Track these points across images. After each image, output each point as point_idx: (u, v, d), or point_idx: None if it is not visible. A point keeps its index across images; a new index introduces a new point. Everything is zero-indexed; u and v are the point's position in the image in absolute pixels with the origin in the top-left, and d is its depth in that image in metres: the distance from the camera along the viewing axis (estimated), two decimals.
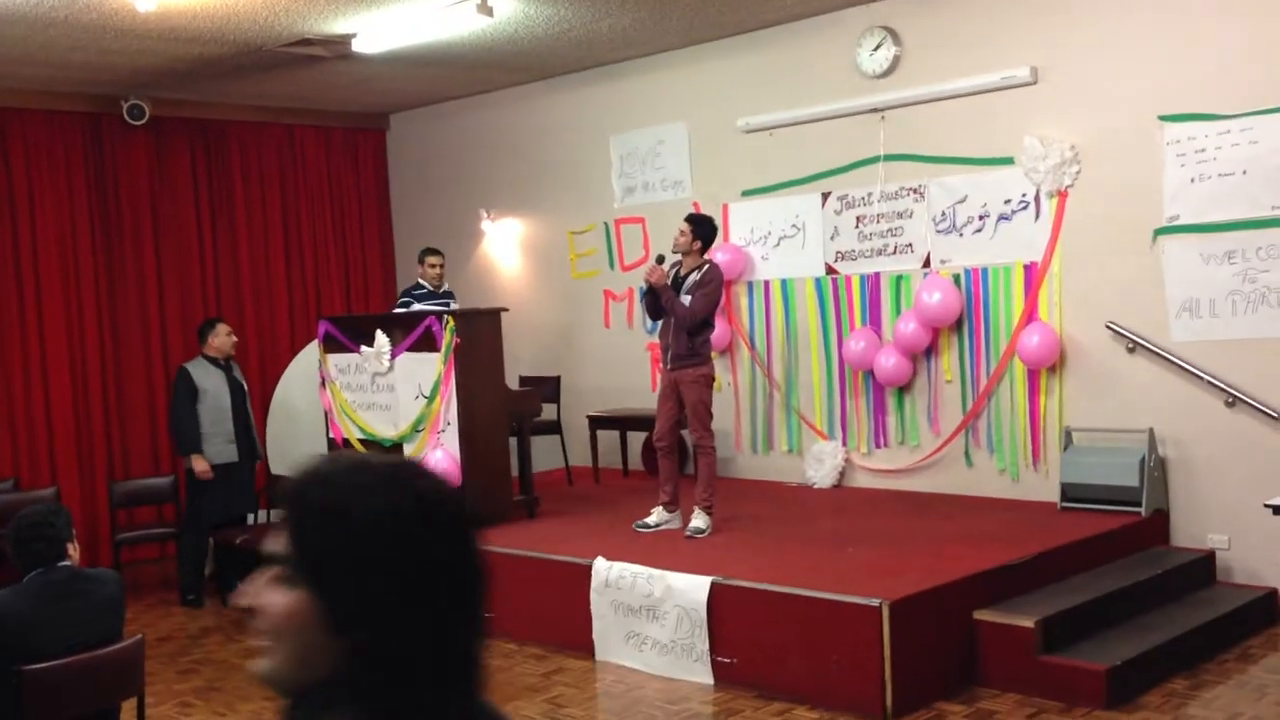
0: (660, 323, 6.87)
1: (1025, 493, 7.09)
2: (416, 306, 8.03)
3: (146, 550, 8.70)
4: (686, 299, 6.57)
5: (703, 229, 6.74)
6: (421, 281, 8.42)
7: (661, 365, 6.87)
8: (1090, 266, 6.78)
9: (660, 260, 6.75)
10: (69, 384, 8.84)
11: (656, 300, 6.67)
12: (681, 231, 6.72)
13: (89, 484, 8.84)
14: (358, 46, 7.66)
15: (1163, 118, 6.46)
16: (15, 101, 8.61)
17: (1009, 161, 7.03)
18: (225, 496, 7.74)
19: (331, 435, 8.07)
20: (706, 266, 6.68)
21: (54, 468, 8.69)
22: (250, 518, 7.99)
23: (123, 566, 7.82)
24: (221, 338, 7.86)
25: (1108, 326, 6.72)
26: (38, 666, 3.74)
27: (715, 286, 6.66)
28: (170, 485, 8.37)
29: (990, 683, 5.31)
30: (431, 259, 8.44)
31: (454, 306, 8.26)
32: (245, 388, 8.00)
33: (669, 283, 6.65)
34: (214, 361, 7.83)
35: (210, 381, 7.76)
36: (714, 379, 6.89)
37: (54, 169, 8.85)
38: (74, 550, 4.17)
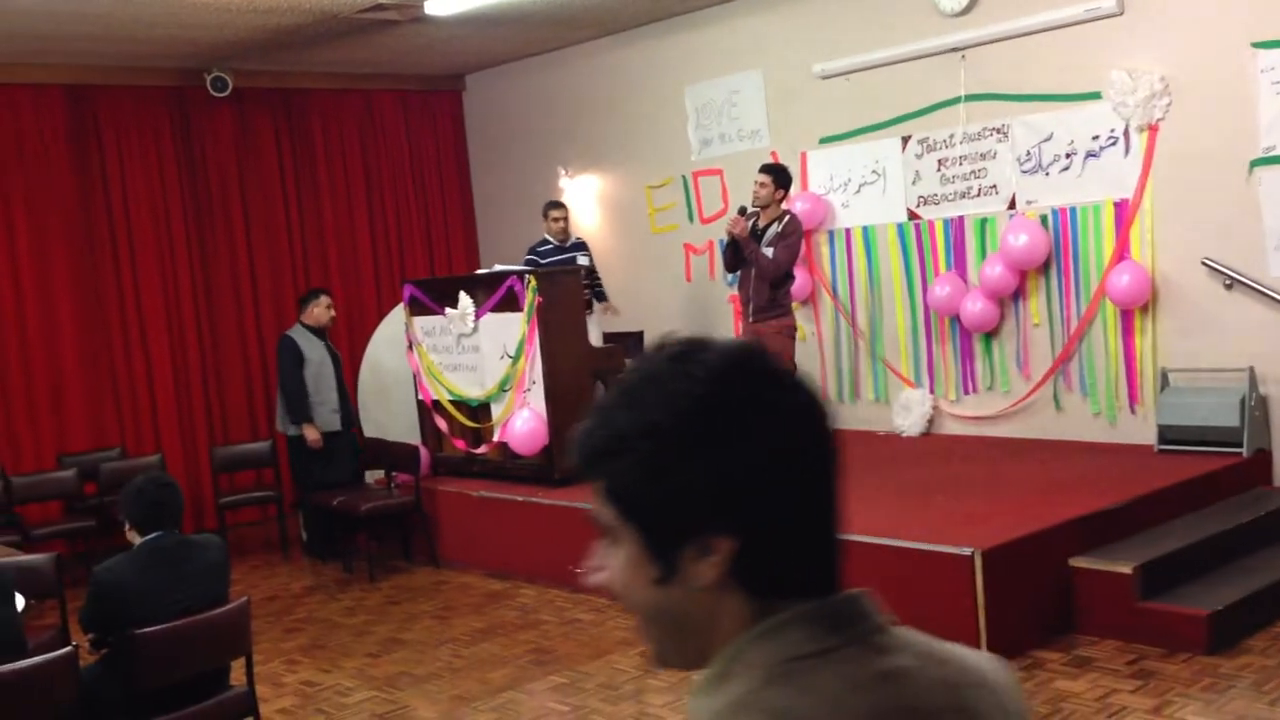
0: (739, 275, 6.84)
1: (1121, 436, 6.96)
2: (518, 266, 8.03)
3: (248, 513, 8.95)
4: (768, 251, 6.53)
5: (783, 178, 6.70)
6: (547, 237, 8.41)
7: (743, 318, 6.84)
8: (1184, 202, 6.59)
9: (742, 212, 6.71)
10: (168, 353, 9.08)
11: (737, 252, 6.64)
12: (761, 183, 6.66)
13: (190, 450, 9.10)
14: (430, 9, 7.69)
15: (1256, 45, 6.22)
16: (102, 79, 8.81)
17: (1096, 96, 6.83)
18: (329, 465, 7.86)
19: (420, 397, 8.20)
20: (787, 218, 6.63)
21: (157, 435, 8.96)
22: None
23: (227, 529, 8.07)
24: (321, 309, 7.97)
25: (1204, 263, 6.54)
26: (149, 630, 3.88)
27: (797, 238, 6.62)
28: (269, 450, 8.60)
29: (1088, 630, 5.25)
30: (554, 213, 8.40)
31: (583, 258, 8.22)
32: (339, 356, 8.13)
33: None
34: (312, 331, 7.96)
35: (313, 350, 7.88)
36: (796, 329, 6.85)
37: (143, 143, 9.06)
38: None
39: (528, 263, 8.22)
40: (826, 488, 1.06)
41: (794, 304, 7.17)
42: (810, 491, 1.05)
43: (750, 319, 6.69)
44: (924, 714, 1.03)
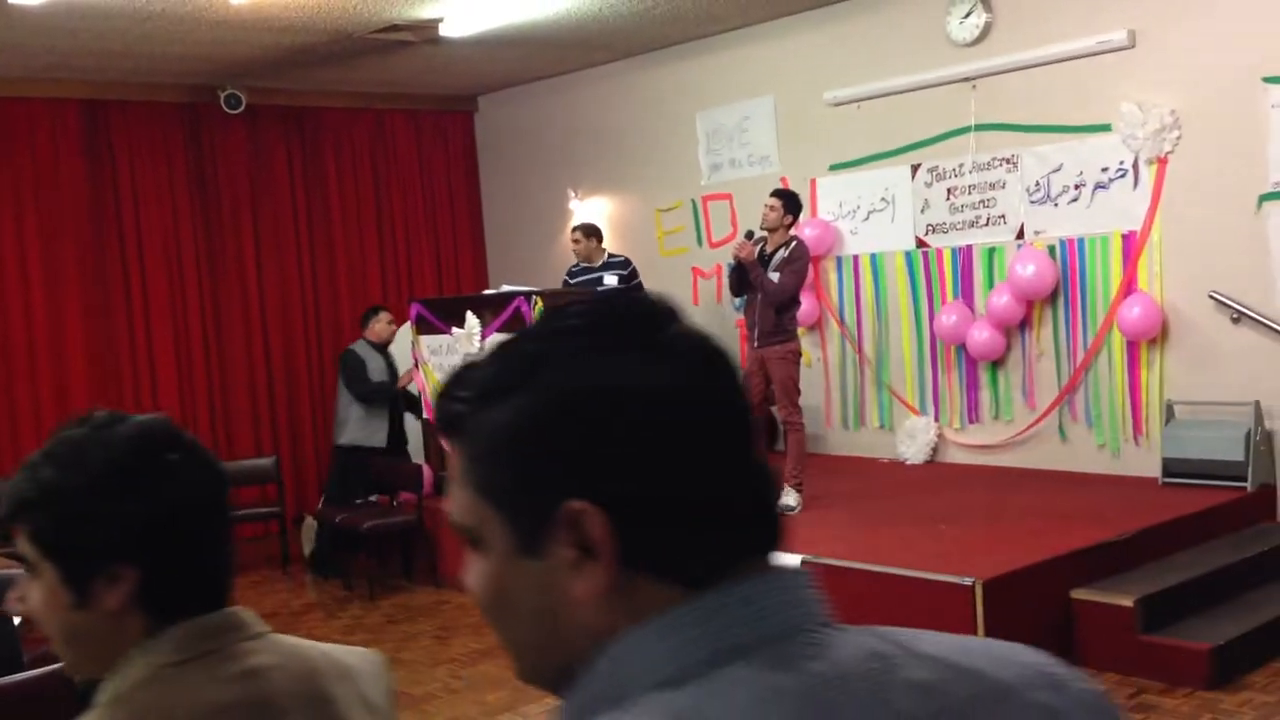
0: (746, 299, 6.85)
1: (1125, 468, 6.93)
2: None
3: (250, 529, 8.94)
4: (774, 276, 6.54)
5: (793, 204, 6.71)
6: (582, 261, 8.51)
7: (749, 342, 6.85)
8: (1192, 235, 6.58)
9: (749, 236, 6.73)
10: (174, 365, 9.10)
11: (743, 277, 6.65)
12: (771, 207, 6.68)
13: None
14: (445, 30, 7.73)
15: (1267, 79, 6.22)
16: (117, 94, 8.87)
17: (1106, 128, 6.84)
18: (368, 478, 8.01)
19: (425, 415, 8.21)
20: (794, 243, 6.64)
21: None
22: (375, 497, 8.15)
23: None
24: (382, 325, 8.22)
25: (1211, 296, 6.52)
26: None
27: (803, 263, 6.63)
28: (272, 465, 8.60)
29: (1089, 663, 5.21)
30: (573, 235, 8.46)
31: (610, 278, 8.18)
32: (397, 372, 8.29)
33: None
34: (374, 346, 8.16)
35: (374, 363, 8.11)
36: (801, 355, 6.86)
37: (155, 159, 9.11)
38: None
39: (563, 284, 8.35)
40: (216, 528, 1.37)
41: (800, 329, 7.17)
42: (200, 532, 1.34)
43: (756, 344, 6.70)
44: (276, 703, 1.28)
